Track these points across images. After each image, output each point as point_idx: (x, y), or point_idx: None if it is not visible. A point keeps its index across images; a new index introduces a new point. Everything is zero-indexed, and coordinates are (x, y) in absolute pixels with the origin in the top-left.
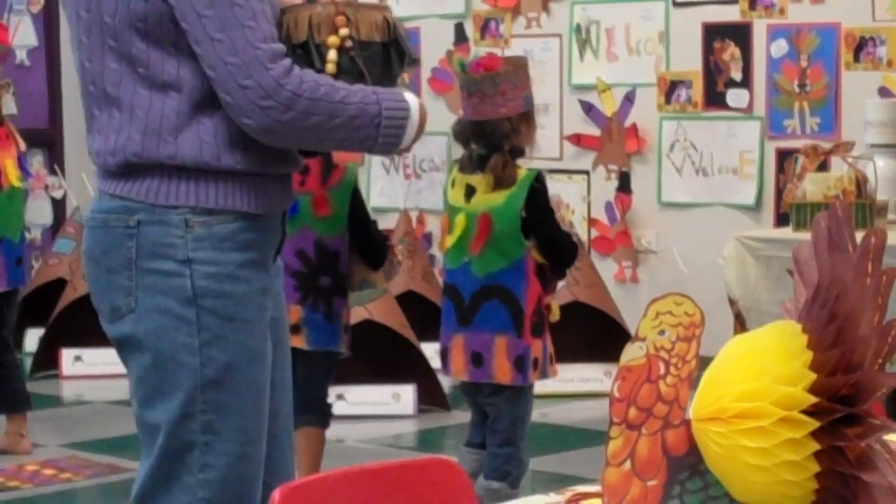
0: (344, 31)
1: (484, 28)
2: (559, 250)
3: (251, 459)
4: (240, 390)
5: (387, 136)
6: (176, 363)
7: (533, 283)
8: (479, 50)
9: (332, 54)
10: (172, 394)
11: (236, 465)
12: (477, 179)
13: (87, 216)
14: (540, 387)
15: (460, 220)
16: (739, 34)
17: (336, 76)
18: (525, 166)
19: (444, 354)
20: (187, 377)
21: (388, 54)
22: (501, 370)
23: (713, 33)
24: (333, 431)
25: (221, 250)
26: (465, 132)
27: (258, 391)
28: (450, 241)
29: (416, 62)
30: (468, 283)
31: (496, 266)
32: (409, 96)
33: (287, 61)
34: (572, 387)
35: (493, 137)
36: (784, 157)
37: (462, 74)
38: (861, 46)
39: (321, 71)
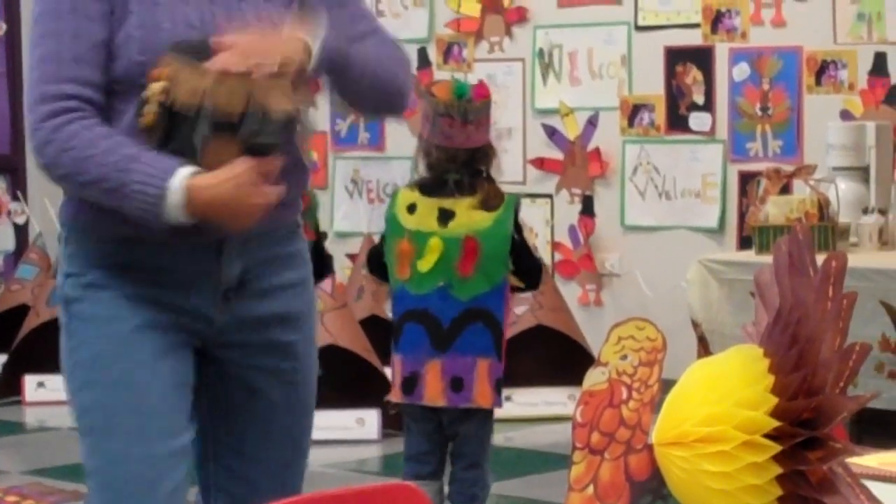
0: (155, 87)
1: (447, 52)
2: (534, 271)
3: (136, 459)
4: (111, 389)
5: (140, 209)
6: (65, 371)
7: (510, 305)
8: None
9: (147, 106)
10: (70, 402)
11: (120, 465)
12: (459, 204)
13: None
14: (504, 410)
15: (435, 244)
16: (701, 58)
17: (150, 129)
18: None
19: (413, 381)
20: (70, 381)
21: (195, 122)
22: (482, 394)
23: (675, 57)
24: None
25: (90, 266)
26: (458, 159)
27: (132, 389)
28: (424, 265)
29: (253, 138)
30: (447, 308)
31: (480, 289)
32: (177, 179)
33: (58, 106)
34: (536, 410)
35: (482, 162)
36: (746, 180)
37: (459, 102)
38: (823, 70)
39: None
